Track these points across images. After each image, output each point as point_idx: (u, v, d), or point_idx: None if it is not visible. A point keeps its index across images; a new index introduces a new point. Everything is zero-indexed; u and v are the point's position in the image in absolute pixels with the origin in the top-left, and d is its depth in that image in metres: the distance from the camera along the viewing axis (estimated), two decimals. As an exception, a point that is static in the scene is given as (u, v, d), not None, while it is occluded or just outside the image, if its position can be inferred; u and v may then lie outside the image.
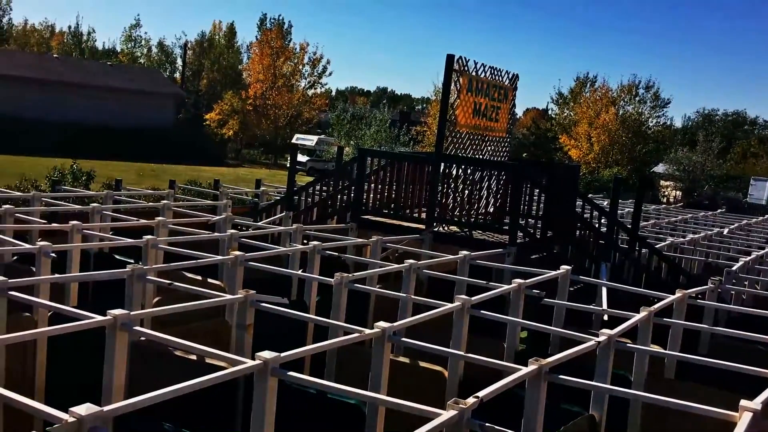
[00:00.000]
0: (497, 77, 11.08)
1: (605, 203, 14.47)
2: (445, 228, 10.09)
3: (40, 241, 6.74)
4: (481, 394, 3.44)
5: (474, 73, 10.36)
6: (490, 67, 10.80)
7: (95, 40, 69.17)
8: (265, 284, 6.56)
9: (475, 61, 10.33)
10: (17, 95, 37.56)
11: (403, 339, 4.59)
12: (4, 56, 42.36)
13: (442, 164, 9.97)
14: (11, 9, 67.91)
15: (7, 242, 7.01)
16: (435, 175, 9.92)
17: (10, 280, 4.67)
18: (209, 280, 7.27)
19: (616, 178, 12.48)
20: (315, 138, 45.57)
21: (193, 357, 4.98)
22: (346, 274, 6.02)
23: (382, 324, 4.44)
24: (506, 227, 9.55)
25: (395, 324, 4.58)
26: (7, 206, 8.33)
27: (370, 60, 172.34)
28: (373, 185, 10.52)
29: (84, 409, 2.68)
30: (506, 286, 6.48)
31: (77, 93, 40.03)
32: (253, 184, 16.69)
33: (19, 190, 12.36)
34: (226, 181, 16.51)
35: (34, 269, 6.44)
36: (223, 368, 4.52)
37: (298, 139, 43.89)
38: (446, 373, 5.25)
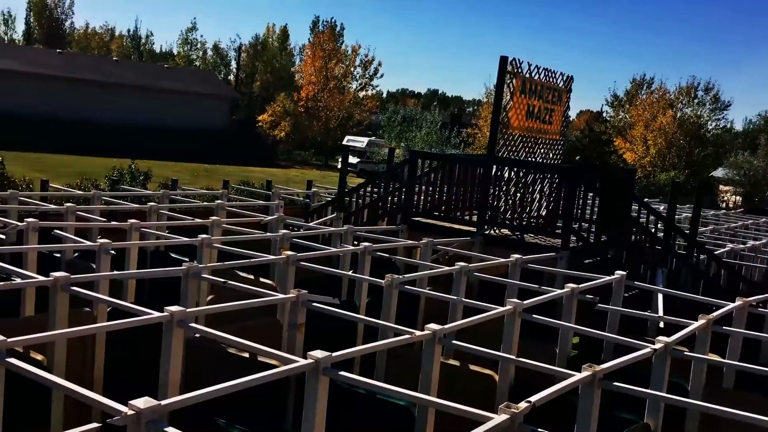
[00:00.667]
0: (551, 79, 10.94)
1: (661, 208, 14.14)
2: (497, 231, 10.00)
3: (100, 238, 6.94)
4: (533, 398, 3.39)
5: (527, 75, 10.25)
6: (544, 68, 10.67)
7: (153, 43, 70.99)
8: (315, 284, 6.62)
9: (528, 62, 10.23)
10: (78, 97, 38.79)
11: (454, 342, 4.57)
12: (66, 59, 43.78)
13: (494, 166, 9.89)
14: (73, 13, 70.19)
15: (69, 239, 7.24)
16: (487, 178, 9.85)
17: (72, 276, 4.81)
18: (261, 279, 7.38)
19: (673, 182, 12.19)
20: (365, 140, 45.78)
21: (245, 355, 5.06)
22: (396, 276, 6.03)
23: (433, 326, 4.43)
24: (559, 231, 9.41)
25: (446, 326, 4.56)
26: (69, 204, 8.60)
27: (421, 62, 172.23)
28: (423, 187, 10.49)
29: (142, 402, 2.74)
30: (559, 291, 6.39)
31: (135, 95, 41.11)
32: (303, 185, 16.86)
33: (80, 189, 12.74)
34: (277, 182, 16.71)
35: (94, 266, 6.63)
36: (274, 366, 4.58)
37: (348, 140, 44.15)
38: (496, 377, 5.20)
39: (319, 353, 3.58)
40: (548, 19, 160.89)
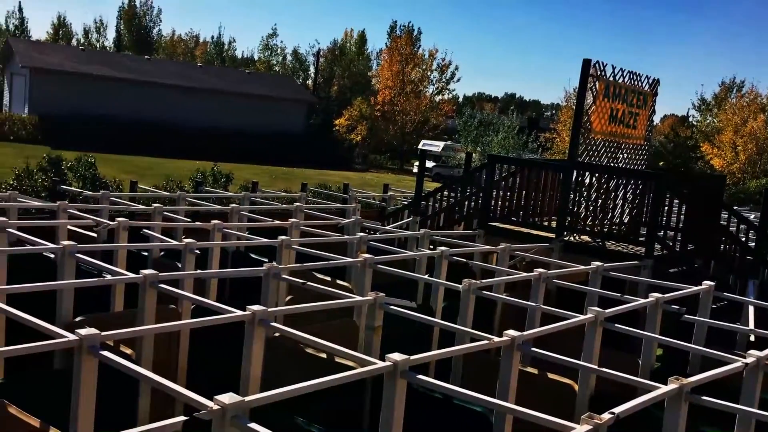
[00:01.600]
0: (636, 82, 10.63)
1: (752, 216, 13.52)
2: (576, 237, 9.79)
3: (184, 238, 7.17)
4: (617, 410, 3.30)
5: (611, 78, 9.99)
6: (628, 71, 10.38)
7: (235, 49, 72.96)
8: (390, 287, 6.64)
9: (612, 65, 9.97)
10: (164, 101, 40.30)
11: (533, 349, 4.49)
12: (154, 65, 45.55)
13: (575, 172, 9.69)
14: (161, 21, 72.95)
15: (156, 238, 7.51)
16: (567, 183, 9.65)
17: (160, 274, 4.98)
18: (337, 281, 7.45)
19: (766, 190, 11.61)
20: (441, 144, 45.67)
21: (323, 355, 5.12)
22: (474, 281, 5.98)
23: (512, 332, 4.37)
24: (642, 239, 9.13)
25: (525, 333, 4.49)
26: (157, 205, 8.92)
27: (498, 66, 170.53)
28: (501, 192, 10.38)
29: (227, 398, 2.81)
30: (642, 300, 6.20)
31: (218, 99, 42.37)
32: (378, 189, 16.95)
33: (166, 191, 13.21)
34: (353, 185, 16.87)
35: (178, 264, 6.86)
36: (351, 367, 4.62)
37: (424, 144, 44.16)
38: (575, 387, 5.09)
39: (397, 356, 3.59)
40: (633, 21, 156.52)
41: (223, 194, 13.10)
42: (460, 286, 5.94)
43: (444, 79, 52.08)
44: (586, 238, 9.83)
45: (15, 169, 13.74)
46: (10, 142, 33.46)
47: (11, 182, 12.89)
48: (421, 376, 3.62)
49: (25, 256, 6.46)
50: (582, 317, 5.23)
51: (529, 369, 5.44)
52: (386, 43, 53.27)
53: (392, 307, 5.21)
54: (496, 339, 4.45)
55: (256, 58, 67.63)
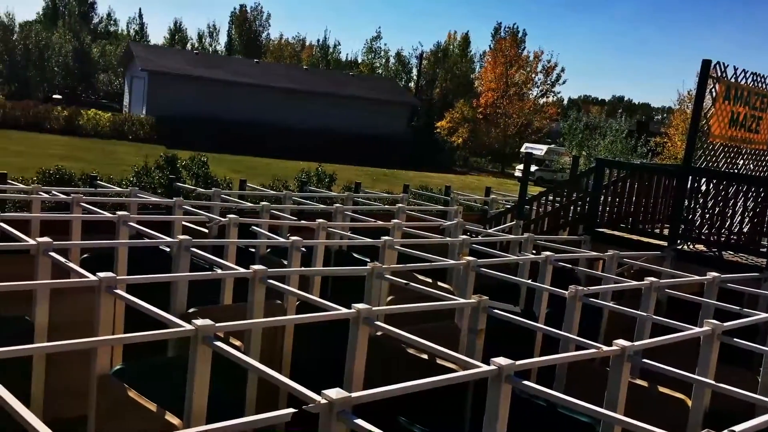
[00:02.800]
0: (760, 84, 10.02)
1: None
2: (690, 246, 9.34)
3: (289, 235, 7.35)
4: (737, 429, 3.11)
5: (732, 80, 9.47)
6: (751, 73, 9.80)
7: (340, 52, 74.34)
8: (491, 291, 6.55)
9: (735, 66, 9.44)
10: (271, 103, 41.58)
11: (645, 360, 4.31)
12: (262, 68, 47.08)
13: (691, 177, 9.25)
14: (269, 25, 75.32)
15: (264, 235, 7.75)
16: (681, 189, 9.22)
17: (269, 270, 5.13)
18: (438, 283, 7.43)
19: None
20: (544, 147, 44.75)
21: (424, 356, 5.11)
22: (580, 288, 5.81)
23: (622, 342, 4.21)
24: (763, 249, 8.59)
25: (636, 343, 4.32)
26: (264, 203, 9.20)
27: (606, 68, 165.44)
28: (609, 197, 10.05)
29: (335, 393, 2.86)
30: (763, 315, 5.83)
31: (322, 101, 43.30)
32: (480, 192, 16.79)
33: (272, 189, 13.60)
34: (454, 187, 16.79)
35: (283, 261, 7.05)
36: (452, 370, 4.59)
37: (527, 148, 43.40)
38: (689, 402, 4.85)
39: (502, 360, 3.54)
40: (755, 21, 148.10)
41: (327, 194, 13.35)
42: (565, 292, 5.79)
43: (549, 82, 51.06)
44: (701, 247, 9.36)
45: (134, 167, 14.53)
46: (130, 141, 35.50)
47: (131, 179, 13.64)
48: (526, 382, 3.55)
49: (138, 249, 6.81)
50: (698, 330, 4.98)
51: (638, 381, 5.23)
52: (490, 45, 52.80)
53: (496, 311, 5.14)
54: (605, 348, 4.30)
55: (360, 60, 68.66)
